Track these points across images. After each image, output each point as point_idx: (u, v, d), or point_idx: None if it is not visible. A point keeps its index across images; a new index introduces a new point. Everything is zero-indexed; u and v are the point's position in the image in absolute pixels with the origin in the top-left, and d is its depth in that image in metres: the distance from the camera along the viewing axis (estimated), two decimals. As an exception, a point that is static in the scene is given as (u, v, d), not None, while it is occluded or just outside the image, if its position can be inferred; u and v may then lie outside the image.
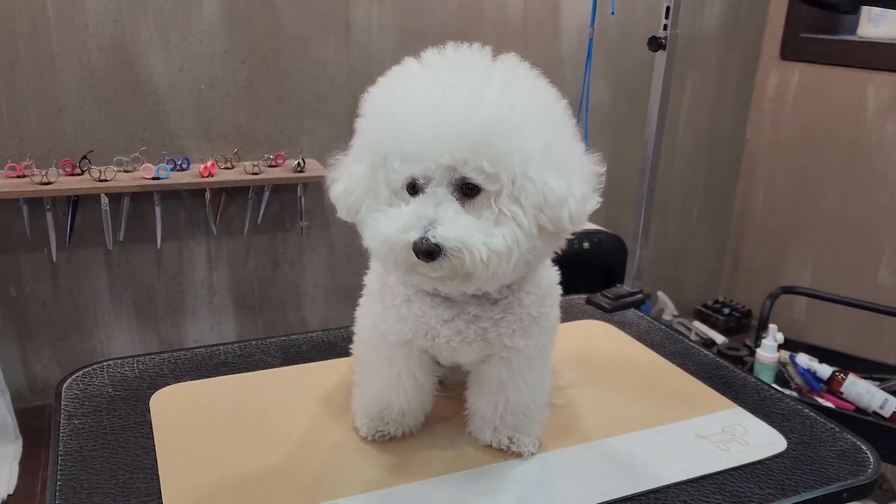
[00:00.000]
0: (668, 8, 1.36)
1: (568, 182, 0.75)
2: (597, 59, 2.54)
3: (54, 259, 1.97)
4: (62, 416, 1.03)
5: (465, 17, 2.26)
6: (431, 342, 0.88)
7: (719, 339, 2.67)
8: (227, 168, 2.03)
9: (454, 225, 0.71)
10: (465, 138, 0.71)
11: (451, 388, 1.07)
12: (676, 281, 3.00)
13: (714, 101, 2.84)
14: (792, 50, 2.71)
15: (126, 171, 1.94)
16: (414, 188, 0.76)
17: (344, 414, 1.02)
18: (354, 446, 0.96)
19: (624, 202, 2.21)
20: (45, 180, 1.80)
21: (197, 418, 1.02)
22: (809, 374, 1.69)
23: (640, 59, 2.53)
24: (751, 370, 1.75)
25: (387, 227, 0.74)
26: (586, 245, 2.13)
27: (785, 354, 1.80)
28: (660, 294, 2.79)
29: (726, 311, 2.83)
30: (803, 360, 1.71)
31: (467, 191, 0.74)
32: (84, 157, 1.91)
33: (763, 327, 1.74)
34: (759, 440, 1.02)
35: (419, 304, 0.86)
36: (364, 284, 0.95)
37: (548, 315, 0.90)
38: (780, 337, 1.73)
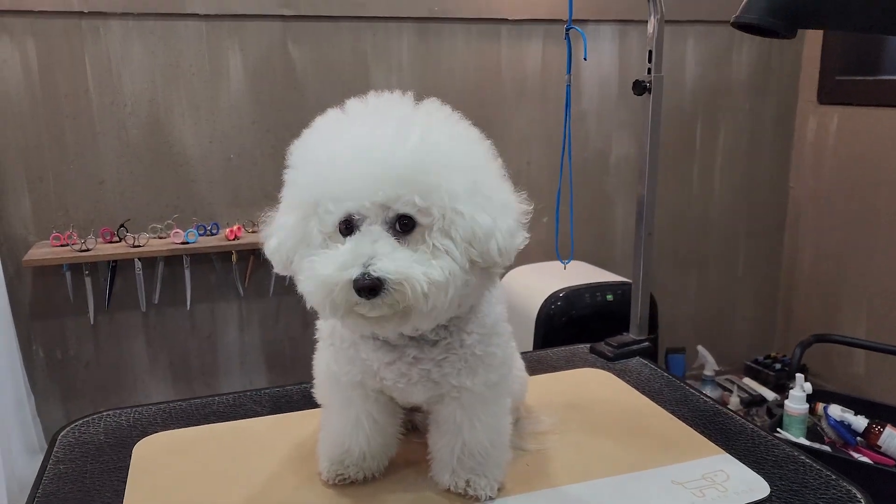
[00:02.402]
0: (650, 52, 1.36)
1: (494, 217, 0.76)
2: (622, 110, 2.54)
3: (93, 322, 2.08)
4: (50, 461, 1.07)
5: (483, 76, 2.33)
6: (380, 383, 0.89)
7: (770, 395, 2.53)
8: (253, 232, 2.13)
9: (393, 258, 0.72)
10: (395, 175, 0.73)
11: (423, 433, 1.07)
12: (722, 335, 2.88)
13: (750, 150, 2.78)
14: (829, 93, 2.64)
15: (160, 238, 2.06)
16: (349, 228, 0.77)
17: (313, 458, 1.03)
18: (315, 490, 0.97)
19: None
20: (84, 248, 1.94)
21: (171, 463, 1.05)
22: (843, 427, 1.58)
23: (667, 112, 2.52)
24: (779, 423, 1.65)
25: (324, 266, 0.74)
26: (609, 297, 2.10)
27: (821, 408, 1.69)
28: (699, 349, 2.68)
29: (777, 366, 2.69)
30: (836, 411, 1.61)
31: (402, 227, 0.75)
32: (121, 226, 2.04)
33: (791, 377, 1.64)
34: (741, 486, 0.97)
35: (363, 347, 0.87)
36: (317, 328, 0.97)
37: (494, 354, 0.89)
38: (808, 387, 1.63)
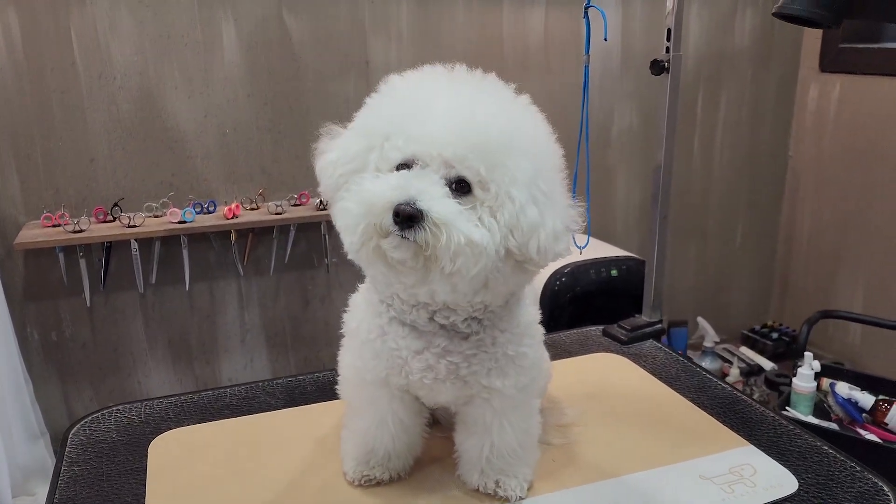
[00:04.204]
0: (668, 30, 1.32)
1: (543, 216, 0.76)
2: (624, 80, 2.50)
3: (88, 304, 2.04)
4: (64, 463, 1.05)
5: (484, 49, 2.27)
6: (406, 380, 0.87)
7: (767, 365, 2.55)
8: (252, 209, 2.08)
9: (442, 202, 0.72)
10: (472, 139, 0.74)
11: (446, 428, 1.05)
12: (721, 306, 2.90)
13: (751, 118, 2.75)
14: (831, 61, 2.61)
15: (155, 217, 2.00)
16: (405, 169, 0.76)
17: (336, 456, 1.01)
18: (341, 490, 0.95)
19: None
20: (77, 228, 1.88)
21: (190, 463, 1.02)
22: (850, 405, 1.59)
23: (668, 80, 2.48)
24: (787, 401, 1.66)
25: (374, 185, 0.74)
26: (614, 272, 2.08)
27: (827, 383, 1.70)
28: (700, 320, 2.69)
29: (775, 335, 2.71)
30: (843, 388, 1.61)
31: (457, 189, 0.75)
32: (115, 205, 1.98)
33: (799, 355, 1.64)
34: (769, 481, 0.96)
35: (392, 335, 0.85)
36: (343, 322, 0.94)
37: (525, 355, 0.88)
38: (817, 365, 1.64)
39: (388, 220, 0.71)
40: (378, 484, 0.95)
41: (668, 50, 1.34)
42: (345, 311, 0.95)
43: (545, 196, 0.77)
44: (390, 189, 0.72)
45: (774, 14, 0.90)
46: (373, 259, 0.76)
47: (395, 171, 0.76)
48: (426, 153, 0.74)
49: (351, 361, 0.92)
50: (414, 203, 0.70)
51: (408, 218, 0.70)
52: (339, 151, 0.80)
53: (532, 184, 0.75)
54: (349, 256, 0.80)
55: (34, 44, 1.87)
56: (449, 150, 0.73)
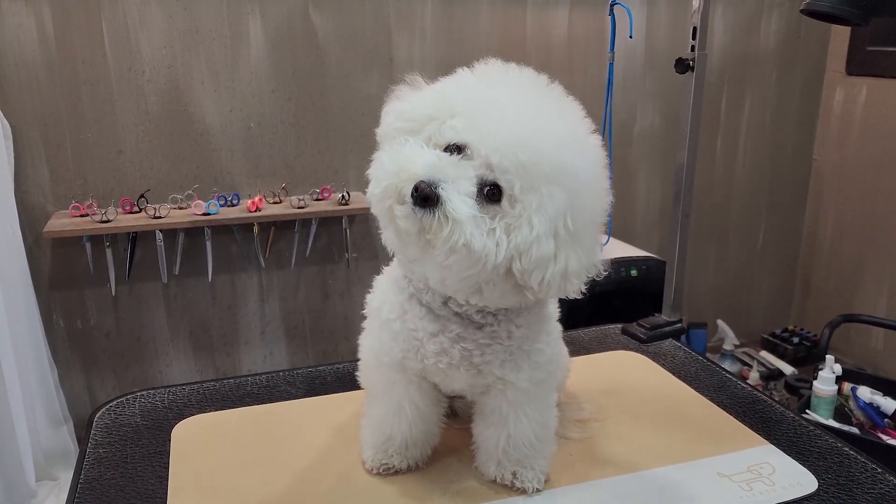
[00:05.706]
0: (694, 28, 1.32)
1: (558, 251, 0.74)
2: (646, 80, 2.49)
3: (114, 293, 2.07)
4: (89, 444, 1.07)
5: (507, 47, 2.28)
6: (421, 364, 0.87)
7: (787, 369, 2.53)
8: (274, 203, 2.10)
9: (462, 199, 0.71)
10: (521, 157, 0.72)
11: (464, 419, 1.06)
12: (741, 308, 2.88)
13: (776, 121, 2.73)
14: (858, 64, 2.58)
15: (180, 208, 2.03)
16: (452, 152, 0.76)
17: (355, 445, 1.02)
18: (360, 478, 0.96)
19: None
20: (104, 218, 1.91)
21: (213, 448, 1.04)
22: (871, 409, 1.58)
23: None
24: (807, 404, 1.65)
25: (412, 152, 0.74)
26: (634, 272, 2.08)
27: (848, 387, 1.68)
28: (719, 323, 2.68)
29: (795, 340, 2.68)
30: (865, 393, 1.60)
31: (488, 194, 0.74)
32: (141, 196, 2.02)
33: (821, 358, 1.63)
34: (788, 480, 0.96)
35: (411, 314, 0.86)
36: (366, 303, 0.95)
37: (541, 351, 0.88)
38: (839, 368, 1.63)
39: (408, 190, 0.72)
40: (396, 473, 0.96)
41: (693, 48, 1.33)
42: (368, 293, 0.95)
43: (569, 233, 0.75)
44: (423, 164, 0.72)
45: (802, 11, 0.90)
46: (385, 220, 0.76)
47: (440, 150, 0.76)
48: (477, 148, 0.74)
49: (370, 344, 0.93)
50: (435, 187, 0.70)
51: (423, 197, 0.70)
52: (410, 106, 0.80)
53: (559, 216, 0.74)
54: (370, 206, 0.80)
55: (66, 37, 1.91)
56: (496, 157, 0.73)
